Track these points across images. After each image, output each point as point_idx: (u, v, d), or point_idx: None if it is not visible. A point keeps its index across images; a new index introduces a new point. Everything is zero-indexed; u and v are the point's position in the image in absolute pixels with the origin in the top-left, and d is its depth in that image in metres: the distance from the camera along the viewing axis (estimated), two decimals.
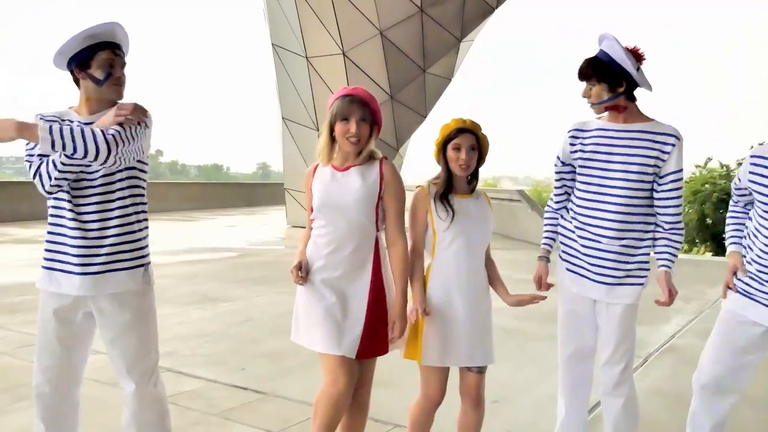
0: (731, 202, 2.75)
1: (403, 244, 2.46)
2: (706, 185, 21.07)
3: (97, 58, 2.22)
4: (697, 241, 21.28)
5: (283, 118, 15.80)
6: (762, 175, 2.42)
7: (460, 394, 2.55)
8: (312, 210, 2.47)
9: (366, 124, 2.41)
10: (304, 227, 2.59)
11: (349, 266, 2.40)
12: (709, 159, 23.06)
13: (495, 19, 15.42)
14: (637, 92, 2.54)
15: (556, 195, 2.76)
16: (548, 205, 2.82)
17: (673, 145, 2.45)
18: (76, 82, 2.29)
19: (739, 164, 23.43)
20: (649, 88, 2.51)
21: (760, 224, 2.45)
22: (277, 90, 15.82)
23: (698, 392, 2.63)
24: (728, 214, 2.75)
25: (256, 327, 5.38)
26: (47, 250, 2.29)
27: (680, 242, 2.56)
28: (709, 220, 20.49)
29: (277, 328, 5.21)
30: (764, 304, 2.43)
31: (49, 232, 2.30)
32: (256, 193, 26.30)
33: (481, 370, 2.51)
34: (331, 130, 2.43)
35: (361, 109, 2.38)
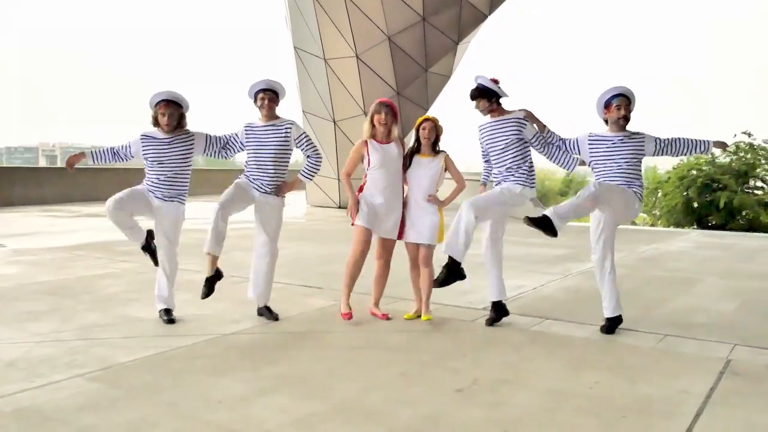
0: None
1: None
2: (692, 171, 20.94)
3: (258, 96, 4.73)
4: (683, 223, 20.33)
5: (303, 111, 17.85)
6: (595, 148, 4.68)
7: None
8: (369, 165, 4.82)
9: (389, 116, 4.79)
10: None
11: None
12: None
13: (488, 23, 17.39)
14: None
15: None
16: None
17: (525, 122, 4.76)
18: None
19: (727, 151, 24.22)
20: (506, 95, 4.82)
21: None
22: (297, 86, 17.79)
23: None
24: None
25: (306, 262, 7.73)
26: (250, 178, 4.86)
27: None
28: (695, 204, 20.20)
29: (321, 261, 7.54)
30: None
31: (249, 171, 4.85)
32: None
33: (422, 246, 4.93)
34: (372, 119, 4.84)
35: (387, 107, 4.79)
